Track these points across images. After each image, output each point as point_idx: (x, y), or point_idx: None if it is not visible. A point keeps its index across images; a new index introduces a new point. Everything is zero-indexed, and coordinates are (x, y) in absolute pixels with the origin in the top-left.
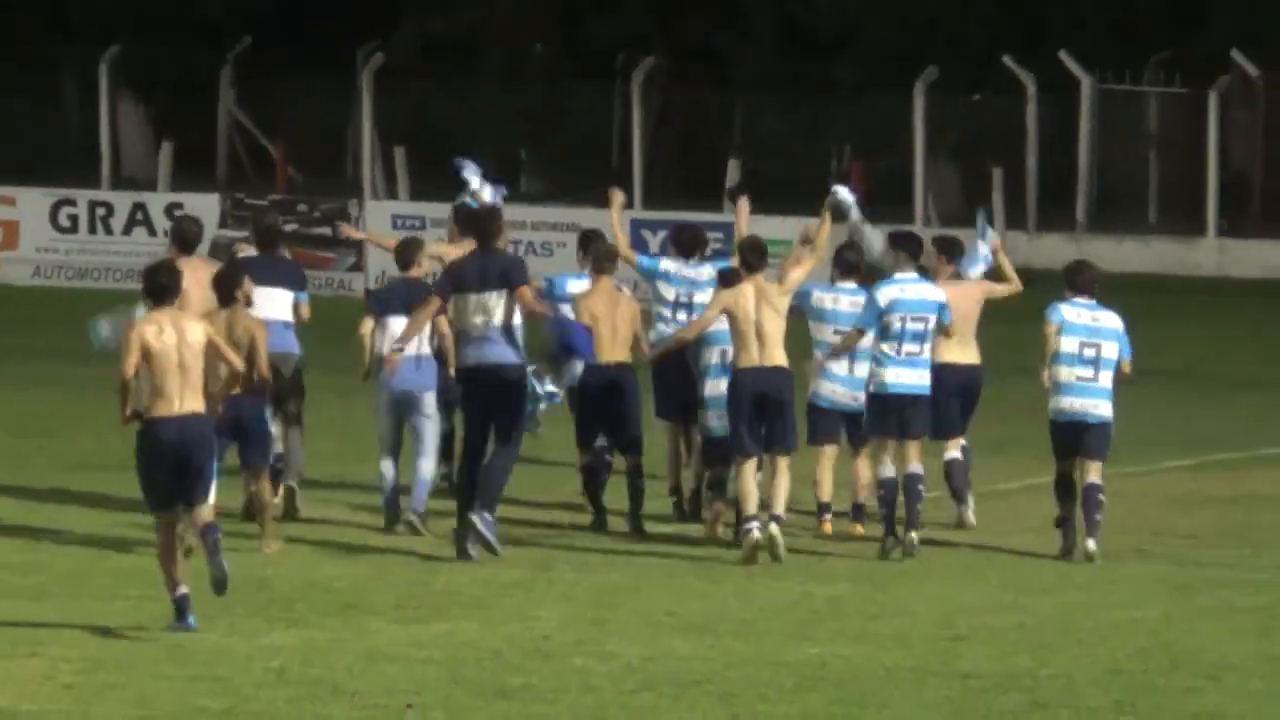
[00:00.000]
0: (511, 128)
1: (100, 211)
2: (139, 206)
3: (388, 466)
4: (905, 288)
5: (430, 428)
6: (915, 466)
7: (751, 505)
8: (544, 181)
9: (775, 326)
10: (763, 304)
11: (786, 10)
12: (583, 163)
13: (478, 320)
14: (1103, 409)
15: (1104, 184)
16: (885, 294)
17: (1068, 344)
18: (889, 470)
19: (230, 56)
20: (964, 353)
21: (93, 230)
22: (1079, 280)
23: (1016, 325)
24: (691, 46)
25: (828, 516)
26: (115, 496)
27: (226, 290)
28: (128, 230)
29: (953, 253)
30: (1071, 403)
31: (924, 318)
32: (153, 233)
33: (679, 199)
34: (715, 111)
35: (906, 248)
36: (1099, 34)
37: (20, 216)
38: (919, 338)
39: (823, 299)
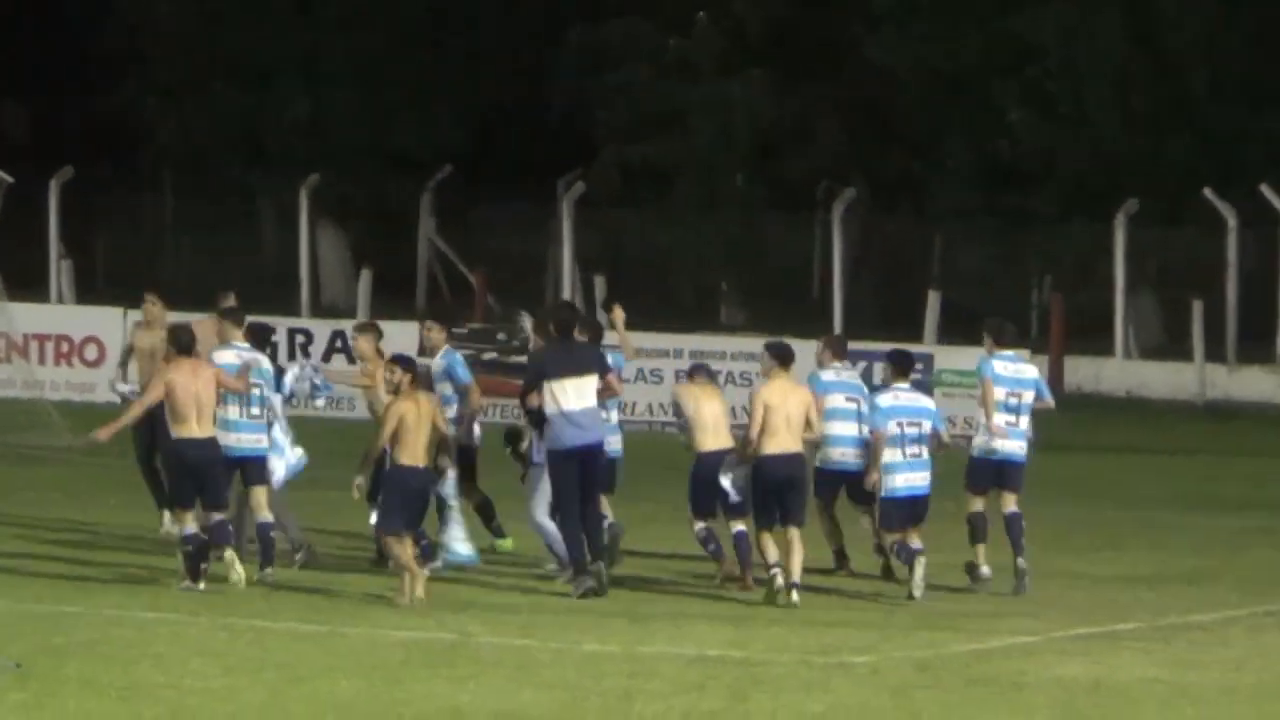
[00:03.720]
0: (710, 258)
1: (300, 339)
2: (338, 334)
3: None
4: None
5: None
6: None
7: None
8: (744, 313)
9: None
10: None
11: (983, 141)
12: (783, 293)
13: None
14: (1024, 449)
15: None
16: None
17: (998, 394)
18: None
19: (430, 185)
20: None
21: (291, 356)
22: (1004, 337)
23: (1214, 457)
24: (888, 178)
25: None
26: (310, 621)
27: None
28: (326, 357)
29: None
30: (1001, 444)
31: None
32: (352, 360)
33: (878, 331)
34: (914, 243)
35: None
36: None
37: None
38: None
39: None
